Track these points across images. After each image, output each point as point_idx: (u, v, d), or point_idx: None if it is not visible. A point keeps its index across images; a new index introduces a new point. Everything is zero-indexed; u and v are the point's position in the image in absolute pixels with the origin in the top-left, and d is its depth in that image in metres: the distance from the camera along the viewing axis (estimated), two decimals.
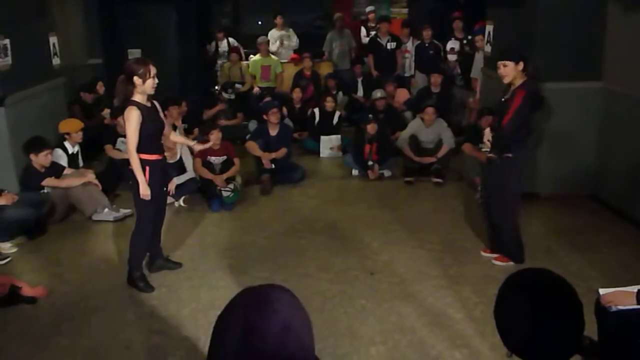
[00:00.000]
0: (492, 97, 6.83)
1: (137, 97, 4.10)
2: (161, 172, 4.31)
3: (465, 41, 9.02)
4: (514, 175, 4.47)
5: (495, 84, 6.79)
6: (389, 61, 9.42)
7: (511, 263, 4.65)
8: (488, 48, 7.07)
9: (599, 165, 6.01)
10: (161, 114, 4.36)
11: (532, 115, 4.45)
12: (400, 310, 4.05)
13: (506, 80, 4.35)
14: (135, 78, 4.02)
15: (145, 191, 4.13)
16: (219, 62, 10.05)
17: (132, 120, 4.03)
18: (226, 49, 10.09)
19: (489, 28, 6.96)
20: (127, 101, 4.10)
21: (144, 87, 4.06)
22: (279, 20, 10.14)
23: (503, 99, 4.43)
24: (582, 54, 5.84)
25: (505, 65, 4.28)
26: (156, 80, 4.11)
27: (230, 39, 10.24)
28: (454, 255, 4.90)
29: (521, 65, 4.26)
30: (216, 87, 9.58)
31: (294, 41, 10.31)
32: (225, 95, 8.75)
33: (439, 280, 4.48)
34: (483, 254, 4.86)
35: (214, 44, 10.23)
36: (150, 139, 4.14)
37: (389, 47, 9.41)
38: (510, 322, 1.54)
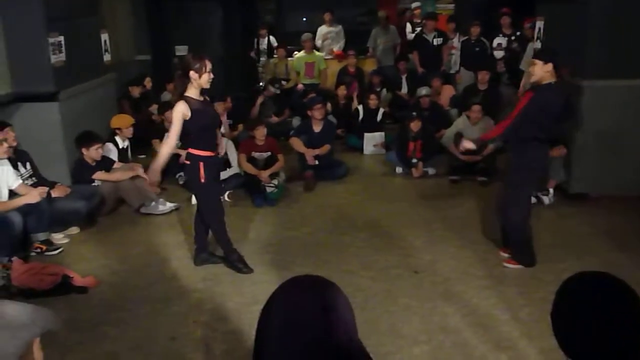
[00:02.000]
0: None
1: (191, 92, 4.19)
2: (216, 168, 4.42)
3: (513, 37, 8.84)
4: (529, 178, 4.44)
5: None
6: (435, 57, 9.31)
7: (520, 266, 4.58)
8: (538, 44, 6.91)
9: None
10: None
11: (548, 118, 4.29)
12: (444, 310, 4.00)
13: (532, 79, 4.33)
14: (192, 72, 4.11)
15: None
16: (262, 59, 10.13)
17: (177, 111, 4.13)
18: (266, 46, 10.15)
19: (539, 24, 6.80)
20: (181, 95, 4.20)
21: (200, 81, 4.14)
22: (327, 16, 10.15)
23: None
24: (635, 51, 5.64)
25: (534, 64, 4.27)
26: (212, 75, 4.19)
27: (272, 37, 10.29)
28: (499, 256, 4.81)
29: (549, 66, 4.20)
30: (260, 84, 9.67)
31: (341, 39, 10.28)
32: (271, 89, 8.81)
33: (483, 281, 4.41)
34: (502, 254, 4.77)
35: (255, 40, 10.31)
36: (203, 133, 4.22)
37: (435, 43, 9.29)
38: (569, 326, 1.49)
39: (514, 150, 4.50)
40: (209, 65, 4.16)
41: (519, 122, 4.30)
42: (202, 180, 4.25)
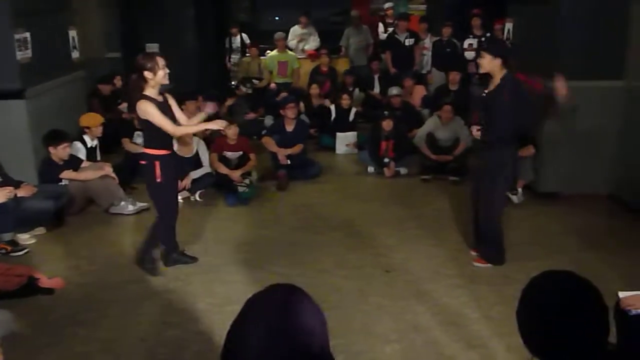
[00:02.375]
0: None
1: (149, 92, 4.17)
2: (172, 167, 4.37)
3: (483, 39, 8.94)
4: (503, 175, 4.47)
5: None
6: (407, 57, 9.37)
7: (489, 265, 4.62)
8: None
9: (619, 165, 5.93)
10: (174, 108, 4.39)
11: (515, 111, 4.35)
12: (415, 308, 4.03)
13: (481, 71, 4.42)
14: (146, 72, 4.10)
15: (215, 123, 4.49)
16: (233, 57, 10.07)
17: (152, 111, 4.10)
18: (239, 44, 10.11)
19: (509, 25, 6.89)
20: (140, 96, 4.15)
21: (156, 79, 4.13)
22: (303, 19, 10.16)
23: (485, 93, 4.44)
24: (604, 52, 5.75)
25: (483, 57, 4.31)
26: (167, 70, 4.17)
27: (244, 35, 10.25)
28: (471, 255, 4.85)
29: (498, 60, 4.26)
30: (232, 83, 9.61)
31: (314, 41, 10.30)
32: (243, 89, 8.76)
33: (454, 279, 4.45)
34: (472, 253, 4.82)
35: (227, 39, 10.24)
36: (159, 133, 4.18)
37: (407, 43, 9.36)
38: (533, 324, 1.51)
39: (486, 149, 4.50)
40: (161, 62, 4.15)
41: (507, 119, 4.30)
42: (158, 180, 4.24)
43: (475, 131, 4.56)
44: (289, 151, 6.81)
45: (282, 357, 1.15)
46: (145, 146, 4.31)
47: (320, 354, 1.21)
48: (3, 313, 1.33)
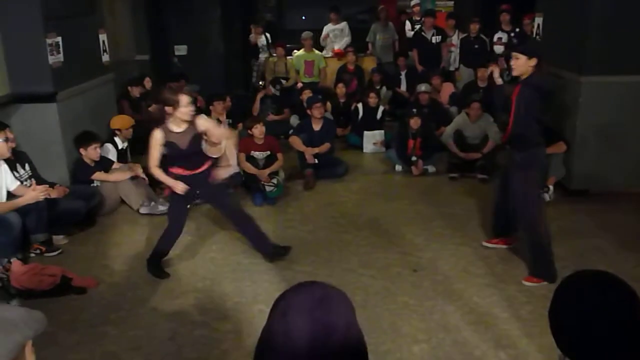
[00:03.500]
0: None
1: (172, 123, 4.24)
2: (189, 186, 4.38)
3: (512, 34, 8.81)
4: (530, 175, 4.24)
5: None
6: (434, 55, 9.30)
7: (544, 283, 4.22)
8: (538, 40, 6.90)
9: None
10: (207, 130, 4.39)
11: (536, 110, 4.22)
12: (443, 308, 3.99)
13: (514, 73, 4.27)
14: (168, 108, 4.19)
15: (176, 185, 4.34)
16: (261, 56, 10.11)
17: (152, 140, 4.25)
18: (264, 43, 10.14)
19: (538, 20, 6.78)
20: (160, 123, 4.26)
21: (176, 114, 4.20)
22: (333, 16, 10.14)
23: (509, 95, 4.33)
24: (634, 47, 5.62)
25: (517, 58, 4.15)
26: (191, 108, 4.22)
27: (267, 35, 10.26)
28: (500, 254, 4.80)
29: (534, 61, 4.10)
30: (260, 82, 9.65)
31: (345, 36, 10.24)
32: (273, 90, 8.80)
33: (483, 279, 4.40)
34: (484, 243, 4.78)
35: (252, 36, 10.26)
36: (174, 159, 4.32)
37: (434, 40, 9.28)
38: (567, 324, 1.48)
39: (513, 149, 4.40)
40: (184, 100, 4.17)
41: (515, 121, 4.26)
42: (166, 193, 4.42)
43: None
44: (316, 150, 6.82)
45: (329, 349, 1.17)
46: (169, 165, 4.42)
47: (359, 346, 1.24)
48: (36, 313, 1.35)
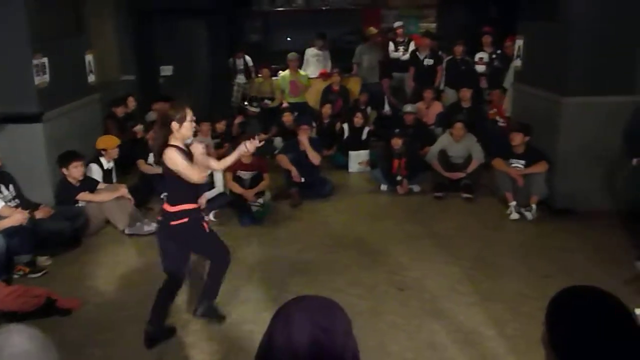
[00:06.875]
0: (523, 113, 6.80)
1: (175, 142, 3.74)
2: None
3: (494, 55, 8.97)
4: None
5: (526, 99, 6.78)
6: (428, 76, 9.46)
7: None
8: (518, 62, 7.03)
9: (632, 181, 5.89)
10: (199, 156, 3.90)
11: None
12: (430, 327, 4.02)
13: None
14: (173, 124, 3.70)
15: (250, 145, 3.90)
16: (238, 78, 10.13)
17: (177, 158, 3.67)
18: (242, 67, 10.18)
19: (519, 42, 6.93)
20: (165, 146, 3.72)
21: (182, 132, 3.74)
22: (319, 42, 10.25)
23: None
24: (614, 68, 5.76)
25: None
26: (194, 124, 3.82)
27: (247, 57, 10.31)
28: (485, 272, 4.85)
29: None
30: (245, 103, 9.69)
31: (327, 61, 10.38)
32: (251, 108, 8.86)
33: (470, 297, 4.44)
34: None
35: (231, 61, 10.29)
36: (189, 186, 3.76)
37: (425, 63, 9.47)
38: (562, 340, 1.51)
39: None
40: (189, 114, 3.76)
41: None
42: (207, 231, 3.88)
43: None
44: (313, 155, 6.85)
45: (329, 354, 1.20)
46: (176, 201, 3.81)
47: (356, 354, 1.32)
48: (48, 340, 1.37)
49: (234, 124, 8.64)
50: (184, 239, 3.83)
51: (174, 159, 3.66)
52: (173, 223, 3.74)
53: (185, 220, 3.74)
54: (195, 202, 3.88)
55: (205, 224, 3.89)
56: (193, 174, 3.68)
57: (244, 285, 4.71)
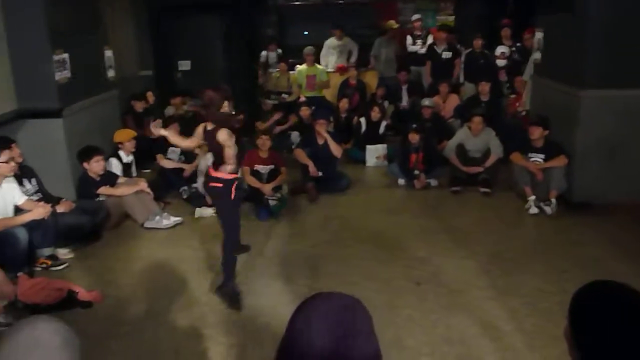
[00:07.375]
0: (542, 106, 6.74)
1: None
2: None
3: (514, 48, 8.90)
4: None
5: (545, 92, 6.72)
6: (445, 69, 9.40)
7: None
8: (538, 55, 6.96)
9: None
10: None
11: None
12: (447, 321, 4.01)
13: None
14: (225, 104, 4.25)
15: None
16: (271, 71, 10.19)
17: (228, 134, 4.15)
18: (275, 59, 10.24)
19: (539, 35, 6.86)
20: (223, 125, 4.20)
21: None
22: (337, 32, 10.25)
23: None
24: (633, 61, 5.68)
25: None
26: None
27: (279, 50, 10.39)
28: (503, 267, 4.82)
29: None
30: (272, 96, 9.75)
31: (346, 52, 10.34)
32: (268, 102, 8.90)
33: (487, 292, 4.42)
34: None
35: (264, 54, 10.37)
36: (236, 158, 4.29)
37: (443, 56, 9.41)
38: (585, 335, 1.50)
39: None
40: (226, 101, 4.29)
41: None
42: (232, 198, 4.26)
43: None
44: (335, 146, 6.84)
45: (351, 354, 1.20)
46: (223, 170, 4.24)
47: (377, 354, 1.31)
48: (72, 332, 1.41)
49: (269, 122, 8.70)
50: (217, 199, 4.47)
51: (226, 136, 4.16)
52: (211, 184, 4.31)
53: (220, 185, 4.23)
54: (236, 172, 4.30)
55: (233, 192, 4.23)
56: (230, 150, 4.19)
57: (260, 279, 4.74)
